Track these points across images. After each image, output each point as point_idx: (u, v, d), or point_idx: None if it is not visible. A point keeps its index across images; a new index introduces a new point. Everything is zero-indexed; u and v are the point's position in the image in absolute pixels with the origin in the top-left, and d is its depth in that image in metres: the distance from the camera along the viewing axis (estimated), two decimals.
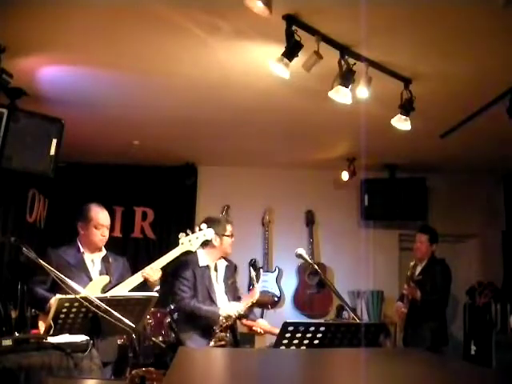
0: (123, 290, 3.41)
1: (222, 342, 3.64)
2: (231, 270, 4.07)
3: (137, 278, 3.49)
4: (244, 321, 3.98)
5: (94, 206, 3.67)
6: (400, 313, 4.97)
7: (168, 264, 3.62)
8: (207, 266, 3.90)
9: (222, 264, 3.98)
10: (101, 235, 3.60)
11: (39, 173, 4.03)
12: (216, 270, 3.94)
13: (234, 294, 4.00)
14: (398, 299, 5.27)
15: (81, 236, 3.63)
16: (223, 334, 3.68)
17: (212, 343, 3.64)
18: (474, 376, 1.65)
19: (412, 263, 5.02)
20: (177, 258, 3.66)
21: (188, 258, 3.91)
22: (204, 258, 3.91)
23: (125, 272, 3.66)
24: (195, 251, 3.94)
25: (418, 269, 5.03)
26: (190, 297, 3.79)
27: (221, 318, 3.67)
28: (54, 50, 3.61)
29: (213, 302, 3.81)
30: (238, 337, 3.88)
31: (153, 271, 3.50)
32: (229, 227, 3.95)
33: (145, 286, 3.49)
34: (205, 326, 3.72)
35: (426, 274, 4.91)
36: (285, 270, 6.49)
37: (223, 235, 3.90)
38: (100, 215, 3.63)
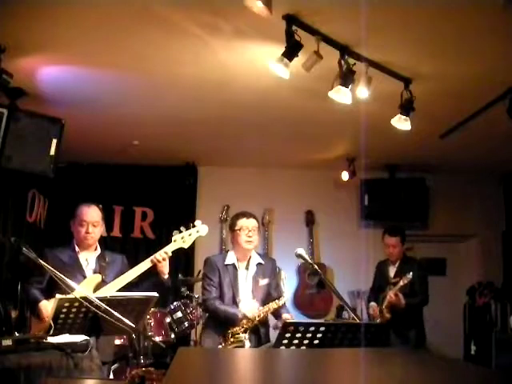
0: (129, 277, 3.44)
1: (239, 344, 3.56)
2: (266, 268, 3.87)
3: (144, 266, 3.48)
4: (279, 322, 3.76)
5: (82, 204, 3.67)
6: (376, 315, 4.84)
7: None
8: (233, 264, 3.83)
9: (254, 261, 3.86)
10: (85, 232, 3.57)
11: (39, 173, 4.02)
12: (247, 268, 3.84)
13: (264, 295, 3.81)
14: (368, 298, 5.22)
15: (74, 235, 3.66)
16: (242, 335, 3.60)
17: (228, 343, 3.59)
18: (473, 376, 1.65)
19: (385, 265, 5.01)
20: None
21: (216, 256, 3.92)
22: (231, 256, 3.86)
23: (124, 269, 3.65)
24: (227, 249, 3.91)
25: (392, 269, 4.96)
26: (214, 297, 3.76)
27: (240, 319, 3.62)
28: (54, 50, 3.61)
29: (235, 302, 3.74)
30: (264, 340, 3.73)
31: (161, 256, 3.49)
32: (241, 221, 3.81)
33: (148, 276, 3.51)
34: (223, 325, 3.68)
35: (403, 276, 4.74)
36: (285, 270, 6.48)
37: (232, 230, 3.85)
38: (84, 211, 3.61)
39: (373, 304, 4.99)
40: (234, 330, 3.63)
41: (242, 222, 3.82)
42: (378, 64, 3.57)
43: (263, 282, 3.84)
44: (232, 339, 3.61)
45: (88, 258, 3.63)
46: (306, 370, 1.74)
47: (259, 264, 3.87)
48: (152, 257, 3.50)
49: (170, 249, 3.55)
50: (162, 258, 3.48)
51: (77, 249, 3.63)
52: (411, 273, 4.59)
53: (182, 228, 3.63)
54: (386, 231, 5.06)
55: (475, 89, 4.00)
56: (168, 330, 4.90)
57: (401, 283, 4.62)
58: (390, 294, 4.69)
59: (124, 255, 3.86)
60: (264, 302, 3.75)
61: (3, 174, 4.24)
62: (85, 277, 3.52)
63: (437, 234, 6.65)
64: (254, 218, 3.89)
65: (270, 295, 3.82)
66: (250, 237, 3.79)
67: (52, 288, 3.26)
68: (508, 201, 6.68)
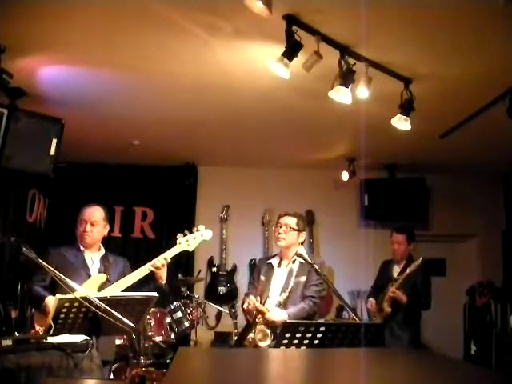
0: (129, 281, 3.46)
1: (262, 333, 3.59)
2: (303, 267, 3.75)
3: (143, 271, 3.50)
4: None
5: (86, 205, 3.73)
6: (374, 309, 4.83)
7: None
8: (270, 263, 3.90)
9: (292, 260, 3.82)
10: (82, 230, 3.63)
11: (39, 173, 4.03)
12: (287, 266, 3.84)
13: (297, 294, 3.73)
14: (368, 295, 5.19)
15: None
16: (263, 327, 3.62)
17: (251, 334, 3.63)
18: (473, 376, 1.65)
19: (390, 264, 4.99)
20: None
21: (266, 256, 4.02)
22: (276, 255, 3.96)
23: (126, 271, 3.68)
24: None
25: (396, 269, 4.92)
26: (249, 293, 3.88)
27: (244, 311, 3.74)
28: (54, 50, 3.61)
29: (264, 299, 3.71)
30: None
31: (160, 262, 3.51)
32: (278, 219, 3.94)
33: (148, 280, 3.52)
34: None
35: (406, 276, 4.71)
36: None
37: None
38: (84, 211, 3.67)
39: (371, 299, 4.96)
40: (259, 325, 3.64)
41: (278, 219, 3.93)
42: (378, 64, 3.57)
43: (295, 280, 3.76)
44: (255, 330, 3.63)
45: (93, 258, 3.68)
46: (305, 370, 1.74)
47: (294, 262, 3.83)
48: (151, 262, 3.51)
49: (173, 252, 3.58)
50: (160, 264, 3.51)
51: (82, 248, 3.67)
52: (420, 258, 4.56)
53: (186, 231, 3.66)
54: (394, 229, 5.07)
55: (475, 89, 4.00)
56: (168, 330, 4.89)
57: (407, 271, 4.61)
58: (391, 289, 4.69)
59: (126, 258, 3.88)
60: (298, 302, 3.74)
61: (3, 174, 4.25)
62: (90, 275, 3.55)
63: (437, 234, 6.65)
64: (294, 216, 3.91)
65: (297, 294, 3.75)
66: (280, 233, 3.85)
67: (55, 286, 3.27)
68: (508, 201, 6.68)
